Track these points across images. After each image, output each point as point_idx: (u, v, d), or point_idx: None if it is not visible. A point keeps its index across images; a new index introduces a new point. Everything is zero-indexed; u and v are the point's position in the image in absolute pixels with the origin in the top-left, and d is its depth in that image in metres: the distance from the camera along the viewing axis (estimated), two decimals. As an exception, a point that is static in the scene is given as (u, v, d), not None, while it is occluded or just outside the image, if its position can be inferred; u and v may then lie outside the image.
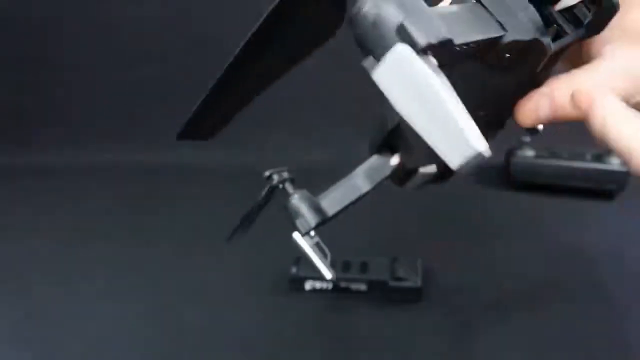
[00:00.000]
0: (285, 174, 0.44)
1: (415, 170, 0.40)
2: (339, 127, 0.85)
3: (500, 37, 0.26)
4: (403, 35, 0.22)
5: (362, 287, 0.54)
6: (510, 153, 0.73)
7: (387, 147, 0.42)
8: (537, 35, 0.27)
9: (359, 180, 0.43)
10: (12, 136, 0.90)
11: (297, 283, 0.55)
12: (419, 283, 0.53)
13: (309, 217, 0.41)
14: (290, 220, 0.42)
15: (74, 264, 0.62)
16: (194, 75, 0.87)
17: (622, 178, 0.68)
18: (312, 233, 0.42)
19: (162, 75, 0.88)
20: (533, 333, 0.49)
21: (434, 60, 0.23)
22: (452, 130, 0.20)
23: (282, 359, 0.48)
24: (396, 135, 0.40)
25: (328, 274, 0.41)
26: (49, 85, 0.90)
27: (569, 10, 0.29)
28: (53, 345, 0.50)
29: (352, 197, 0.42)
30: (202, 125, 0.35)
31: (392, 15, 0.23)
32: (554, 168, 0.71)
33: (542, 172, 0.71)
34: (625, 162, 0.28)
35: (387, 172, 0.42)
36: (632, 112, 0.28)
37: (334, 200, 0.42)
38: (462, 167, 0.20)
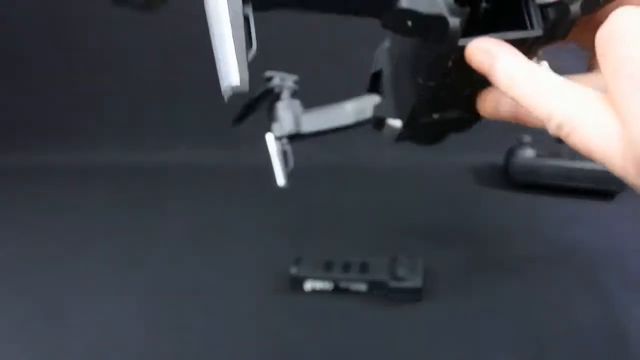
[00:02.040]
0: (290, 82, 0.45)
1: (383, 121, 0.40)
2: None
3: (394, 0, 0.25)
4: None
5: (362, 287, 0.54)
6: (510, 153, 0.73)
7: (376, 90, 0.42)
8: (442, 13, 0.25)
9: (343, 113, 0.44)
10: (12, 136, 0.90)
11: (297, 283, 0.55)
12: (419, 283, 0.53)
13: (285, 125, 0.43)
14: (269, 120, 0.43)
15: (74, 264, 0.62)
16: (194, 75, 0.87)
17: (622, 178, 0.68)
18: (284, 141, 0.44)
19: (162, 75, 0.88)
20: (533, 333, 0.49)
21: None
22: (221, 59, 0.22)
23: (281, 359, 0.48)
24: (378, 81, 0.40)
25: (281, 180, 0.44)
26: (49, 85, 0.90)
27: (545, 8, 0.27)
28: (53, 345, 0.50)
29: (331, 125, 0.44)
30: None
31: None
32: (554, 168, 0.71)
33: (542, 172, 0.71)
34: (545, 124, 0.24)
35: (369, 115, 0.42)
36: (540, 66, 0.25)
37: (313, 121, 0.43)
38: (224, 95, 0.22)
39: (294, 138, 0.44)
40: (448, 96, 0.33)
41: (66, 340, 0.51)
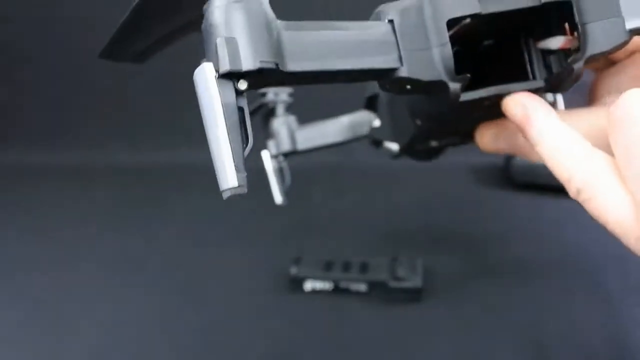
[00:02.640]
0: (284, 96, 0.45)
1: (381, 142, 0.41)
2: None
3: (393, 69, 0.25)
4: (213, 55, 0.22)
5: (362, 287, 0.54)
6: (510, 153, 0.73)
7: (372, 108, 0.42)
8: (441, 78, 0.25)
9: (340, 128, 0.44)
10: (12, 136, 0.90)
11: (297, 283, 0.55)
12: (419, 283, 0.53)
13: (281, 143, 0.43)
14: (265, 136, 0.43)
15: (73, 264, 0.62)
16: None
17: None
18: (280, 158, 0.44)
19: (162, 75, 0.88)
20: (533, 333, 0.49)
21: (241, 85, 0.23)
22: (217, 160, 0.22)
23: (281, 359, 0.48)
24: (375, 102, 0.41)
25: (278, 199, 0.44)
26: (49, 85, 0.90)
27: (548, 54, 0.28)
28: (53, 345, 0.50)
29: (327, 140, 0.44)
30: (129, 46, 0.33)
31: (218, 30, 0.23)
32: (554, 168, 0.71)
33: (542, 172, 0.71)
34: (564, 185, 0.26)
35: (365, 131, 0.43)
36: (570, 129, 0.26)
37: (309, 137, 0.44)
38: (223, 195, 0.22)
39: (290, 155, 0.44)
40: (446, 131, 0.34)
41: (66, 340, 0.51)
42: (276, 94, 0.46)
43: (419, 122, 0.32)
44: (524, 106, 0.27)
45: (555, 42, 0.27)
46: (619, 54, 0.30)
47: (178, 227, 0.69)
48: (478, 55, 0.30)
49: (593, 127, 0.28)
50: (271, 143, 0.44)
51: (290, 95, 0.47)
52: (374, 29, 0.25)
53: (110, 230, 0.68)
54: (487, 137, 0.32)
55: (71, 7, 0.87)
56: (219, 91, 0.22)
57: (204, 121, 0.23)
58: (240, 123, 0.23)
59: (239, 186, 0.22)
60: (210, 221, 0.69)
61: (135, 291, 0.57)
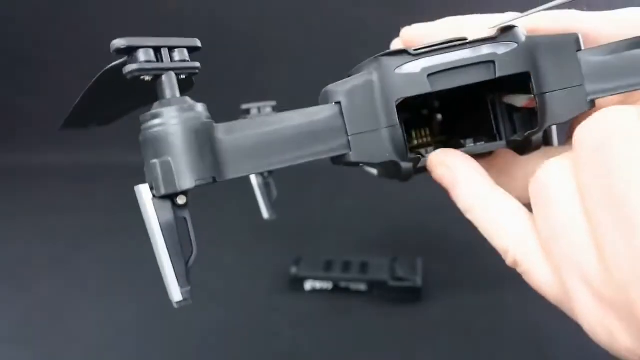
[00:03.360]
0: (268, 110, 0.46)
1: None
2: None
3: (343, 155, 0.25)
4: (149, 175, 0.23)
5: (362, 287, 0.54)
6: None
7: None
8: (392, 158, 0.25)
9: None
10: (12, 136, 0.90)
11: (297, 283, 0.55)
12: (419, 283, 0.53)
13: None
14: None
15: (73, 264, 0.62)
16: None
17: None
18: (266, 174, 0.45)
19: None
20: (533, 332, 0.49)
21: (180, 200, 0.24)
22: (163, 276, 0.23)
23: (282, 359, 0.48)
24: None
25: (265, 214, 0.45)
26: (49, 85, 0.90)
27: (514, 112, 0.27)
28: (53, 345, 0.50)
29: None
30: (90, 115, 0.33)
31: (153, 149, 0.23)
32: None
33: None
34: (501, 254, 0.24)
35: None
36: (503, 198, 0.25)
37: None
38: (173, 304, 0.24)
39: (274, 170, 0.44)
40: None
41: (66, 340, 0.51)
42: (259, 110, 0.46)
43: (383, 174, 0.33)
44: (449, 168, 0.25)
45: (520, 100, 0.26)
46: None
47: (178, 227, 0.69)
48: (445, 111, 0.30)
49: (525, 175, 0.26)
50: None
51: (274, 108, 0.47)
52: (319, 115, 0.25)
53: (110, 230, 0.68)
54: (436, 173, 0.29)
55: (71, 7, 0.87)
56: (156, 212, 0.23)
57: (150, 236, 0.24)
58: (184, 233, 0.24)
59: (183, 299, 0.24)
60: (210, 221, 0.69)
61: (135, 290, 0.57)
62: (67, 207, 0.75)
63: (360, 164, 0.26)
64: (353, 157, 0.25)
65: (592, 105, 0.25)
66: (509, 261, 0.24)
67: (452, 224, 0.68)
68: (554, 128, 0.32)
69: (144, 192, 0.23)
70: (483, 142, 0.27)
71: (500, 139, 0.28)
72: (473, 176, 0.25)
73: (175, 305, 0.24)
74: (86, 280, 0.59)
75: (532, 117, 0.25)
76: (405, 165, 0.25)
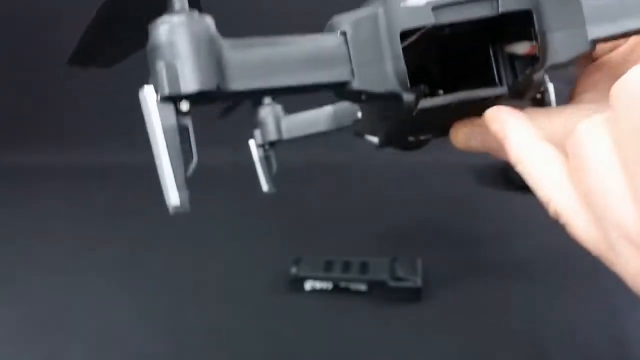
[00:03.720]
0: None
1: (362, 134, 0.42)
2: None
3: (345, 83, 0.25)
4: (154, 78, 0.23)
5: (362, 287, 0.54)
6: (510, 153, 0.73)
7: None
8: (394, 89, 0.25)
9: (324, 118, 0.45)
10: (12, 136, 0.90)
11: (297, 283, 0.55)
12: (419, 283, 0.53)
13: (267, 132, 0.44)
14: (252, 126, 0.45)
15: (73, 264, 0.62)
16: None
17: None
18: (267, 147, 0.45)
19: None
20: (533, 332, 0.49)
21: (183, 106, 0.23)
22: (161, 180, 0.23)
23: (281, 359, 0.48)
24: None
25: (265, 186, 0.45)
26: (49, 85, 0.90)
27: (515, 58, 0.28)
28: (53, 345, 0.50)
29: (311, 130, 0.45)
30: (97, 53, 0.34)
31: (159, 52, 0.23)
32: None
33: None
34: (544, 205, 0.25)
35: (349, 121, 0.44)
36: (549, 150, 0.25)
37: (295, 126, 0.45)
38: (170, 211, 0.23)
39: (276, 143, 0.45)
40: (418, 129, 0.34)
41: (66, 341, 0.50)
42: None
43: (386, 125, 0.33)
44: (502, 123, 0.26)
45: (521, 48, 0.26)
46: (598, 50, 0.29)
47: (177, 226, 0.69)
48: (444, 59, 0.30)
49: (560, 129, 0.27)
50: (257, 132, 0.45)
51: None
52: (325, 42, 0.25)
53: (110, 230, 0.68)
54: (460, 136, 0.31)
55: (71, 7, 0.87)
56: (159, 114, 0.23)
57: (151, 140, 0.24)
58: (186, 142, 0.23)
59: (179, 205, 0.23)
60: (210, 221, 0.69)
61: (135, 290, 0.57)
62: (67, 207, 0.75)
63: (363, 96, 0.26)
64: (356, 84, 0.25)
65: (592, 47, 0.25)
66: (550, 212, 0.26)
67: (452, 224, 0.68)
68: (551, 91, 0.33)
69: (148, 93, 0.23)
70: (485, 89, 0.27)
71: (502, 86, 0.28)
72: (521, 130, 0.26)
73: (172, 211, 0.23)
74: (86, 280, 0.59)
75: (534, 63, 0.26)
76: (408, 97, 0.25)
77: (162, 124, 0.23)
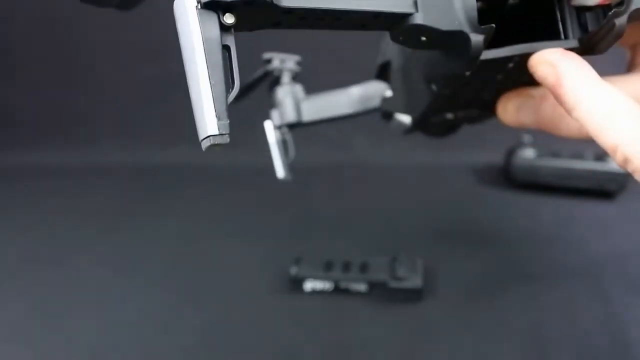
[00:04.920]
0: (290, 64, 0.42)
1: (392, 114, 0.37)
2: (339, 126, 0.85)
3: (406, 15, 0.22)
4: None
5: (362, 287, 0.54)
6: (510, 153, 0.73)
7: (384, 78, 0.38)
8: (461, 28, 0.22)
9: (349, 99, 0.41)
10: (12, 136, 0.90)
11: (297, 283, 0.55)
12: (419, 283, 0.53)
13: (285, 114, 0.40)
14: (270, 106, 0.40)
15: (73, 264, 0.62)
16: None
17: (622, 178, 0.68)
18: (284, 129, 0.41)
19: (162, 75, 0.88)
20: (533, 333, 0.49)
21: (227, 19, 0.19)
22: (196, 105, 0.19)
23: (281, 359, 0.48)
24: (387, 71, 0.37)
25: (280, 172, 0.40)
26: (49, 85, 0.90)
27: (584, 12, 0.24)
28: (53, 345, 0.50)
29: (334, 113, 0.41)
30: None
31: None
32: (554, 168, 0.71)
33: (542, 172, 0.71)
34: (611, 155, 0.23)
35: (376, 104, 0.40)
36: (612, 89, 0.23)
37: (315, 108, 0.40)
38: (202, 146, 0.20)
39: (295, 126, 0.41)
40: (464, 100, 0.31)
41: (65, 340, 0.50)
42: (282, 61, 0.42)
43: (434, 87, 0.28)
44: (554, 65, 0.23)
45: None
46: None
47: (177, 226, 0.69)
48: (504, 16, 0.26)
49: (634, 93, 0.25)
50: (275, 113, 0.41)
51: (298, 63, 0.43)
52: None
53: (110, 229, 0.68)
54: (510, 109, 0.28)
55: (71, 7, 0.87)
56: (200, 23, 0.19)
57: (183, 61, 0.20)
58: (226, 64, 0.20)
59: (219, 134, 0.19)
60: (210, 221, 0.69)
61: (135, 291, 0.57)
62: (67, 207, 0.75)
63: (422, 37, 0.22)
64: (419, 18, 0.21)
65: None
66: (618, 159, 0.23)
67: (452, 224, 0.68)
68: None
69: None
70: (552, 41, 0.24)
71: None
72: (578, 71, 0.23)
73: (207, 143, 0.20)
74: (86, 280, 0.59)
75: (607, 13, 0.23)
76: (476, 38, 0.22)
77: (202, 36, 0.19)
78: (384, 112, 0.39)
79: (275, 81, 0.43)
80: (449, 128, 0.38)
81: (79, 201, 0.76)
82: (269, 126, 0.41)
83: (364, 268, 0.55)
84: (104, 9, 0.83)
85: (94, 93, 0.90)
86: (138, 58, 0.88)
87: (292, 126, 0.41)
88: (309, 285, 0.55)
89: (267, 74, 0.42)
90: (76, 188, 0.80)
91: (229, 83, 0.19)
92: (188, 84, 0.19)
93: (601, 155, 0.69)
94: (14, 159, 0.87)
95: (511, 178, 0.73)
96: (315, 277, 0.54)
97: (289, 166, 0.41)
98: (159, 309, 0.54)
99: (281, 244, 0.63)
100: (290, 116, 0.40)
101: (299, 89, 0.42)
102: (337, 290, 0.54)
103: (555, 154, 0.71)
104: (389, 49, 0.36)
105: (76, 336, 0.51)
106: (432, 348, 0.48)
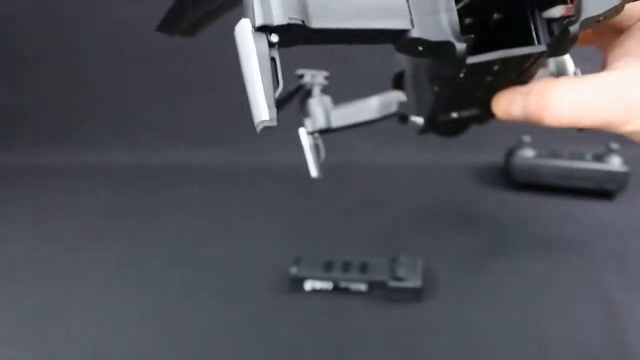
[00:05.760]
0: (320, 79, 0.51)
1: (407, 117, 0.44)
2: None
3: (405, 31, 0.28)
4: (249, 12, 0.26)
5: (362, 287, 0.54)
6: (510, 153, 0.73)
7: (400, 87, 0.46)
8: (448, 38, 0.28)
9: (369, 108, 0.48)
10: (12, 136, 0.90)
11: (297, 283, 0.55)
12: (419, 283, 0.53)
13: (316, 121, 0.48)
14: (302, 115, 0.49)
15: (73, 264, 0.62)
16: (194, 75, 0.87)
17: (622, 178, 0.68)
18: (316, 135, 0.48)
19: (161, 75, 0.88)
20: (533, 333, 0.49)
21: (273, 38, 0.26)
22: (252, 99, 0.26)
23: (281, 359, 0.48)
24: (401, 80, 0.44)
25: (314, 172, 0.46)
26: (49, 85, 0.90)
27: (551, 22, 0.30)
28: (53, 345, 0.50)
29: (358, 119, 0.48)
30: (181, 20, 0.37)
31: None
32: (554, 168, 0.71)
33: (542, 172, 0.71)
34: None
35: (393, 109, 0.47)
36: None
37: (342, 116, 0.48)
38: (257, 129, 0.26)
39: (325, 132, 0.48)
40: (464, 100, 0.36)
41: (66, 340, 0.51)
42: (313, 77, 0.50)
43: (436, 88, 0.34)
44: (515, 99, 0.29)
45: (557, 11, 0.29)
46: (626, 21, 0.31)
47: (177, 227, 0.69)
48: (489, 30, 0.32)
49: (603, 90, 0.29)
50: (308, 121, 0.48)
51: (326, 78, 0.51)
52: None
53: (110, 230, 0.68)
54: (502, 103, 0.32)
55: (71, 7, 0.87)
56: (254, 42, 0.26)
57: (242, 70, 0.26)
58: (273, 70, 0.26)
59: (269, 119, 0.25)
60: (210, 221, 0.69)
61: (135, 291, 0.57)
62: (67, 207, 0.75)
63: (419, 47, 0.28)
64: (415, 33, 0.27)
65: (624, 2, 0.27)
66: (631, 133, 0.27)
67: (452, 224, 0.68)
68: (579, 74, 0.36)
69: (245, 24, 0.26)
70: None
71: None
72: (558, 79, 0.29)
73: (261, 126, 0.26)
74: (86, 280, 0.59)
75: (565, 30, 0.28)
76: (460, 45, 0.28)
77: (256, 51, 0.26)
78: (400, 115, 0.45)
79: (307, 94, 0.50)
80: (458, 128, 0.44)
81: (79, 201, 0.76)
82: (303, 132, 0.48)
83: (364, 268, 0.55)
84: (103, 9, 0.84)
85: (94, 93, 0.90)
86: (138, 58, 0.88)
87: (322, 132, 0.48)
88: (309, 285, 0.55)
89: (300, 87, 0.50)
90: (76, 188, 0.80)
91: (275, 84, 0.26)
92: (245, 85, 0.26)
93: (601, 155, 0.69)
94: (14, 159, 0.87)
95: (511, 178, 0.73)
96: (315, 277, 0.54)
97: (321, 166, 0.47)
98: (159, 309, 0.54)
99: (281, 244, 0.63)
100: (321, 123, 0.48)
101: (327, 100, 0.50)
102: (337, 290, 0.54)
103: (555, 154, 0.71)
104: (401, 62, 0.43)
105: (76, 336, 0.51)
106: (431, 348, 0.48)
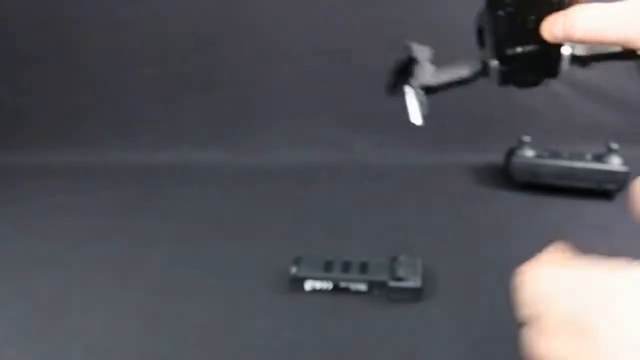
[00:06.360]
0: (426, 51, 0.54)
1: (487, 65, 0.49)
2: (339, 127, 0.85)
3: None
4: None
5: (362, 287, 0.54)
6: (510, 153, 0.73)
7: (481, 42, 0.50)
8: None
9: (462, 67, 0.52)
10: (12, 136, 0.90)
11: (297, 283, 0.55)
12: (419, 283, 0.53)
13: (421, 79, 0.52)
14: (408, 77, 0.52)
15: (74, 264, 0.62)
16: (194, 75, 0.87)
17: (622, 178, 0.68)
18: (420, 92, 0.51)
19: (162, 75, 0.88)
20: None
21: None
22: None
23: (281, 359, 0.48)
24: (482, 36, 0.48)
25: (418, 120, 0.49)
26: (49, 85, 0.90)
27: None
28: (53, 345, 0.50)
29: (454, 77, 0.52)
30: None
31: None
32: (554, 168, 0.71)
33: (542, 172, 0.71)
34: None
35: (480, 66, 0.51)
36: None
37: (440, 76, 0.52)
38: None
39: (428, 91, 0.51)
40: (518, 26, 0.40)
41: (66, 340, 0.51)
42: (417, 48, 0.55)
43: (501, 12, 0.39)
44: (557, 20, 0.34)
45: None
46: None
47: (178, 226, 0.69)
48: None
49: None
50: (411, 80, 0.53)
51: (431, 52, 0.56)
52: None
53: (110, 229, 0.68)
54: (547, 26, 0.36)
55: (71, 7, 0.87)
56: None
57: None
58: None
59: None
60: (210, 221, 0.69)
61: (135, 290, 0.57)
62: (67, 207, 0.75)
63: None
64: None
65: None
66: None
67: (452, 224, 0.68)
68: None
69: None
70: None
71: None
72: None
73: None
74: (86, 280, 0.59)
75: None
76: None
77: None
78: (482, 66, 0.49)
79: (414, 61, 0.55)
80: (532, 79, 0.47)
81: (79, 201, 0.76)
82: (409, 89, 0.52)
83: (363, 268, 0.55)
84: (103, 9, 0.84)
85: (94, 93, 0.90)
86: (138, 58, 0.88)
87: (425, 89, 0.52)
88: (309, 285, 0.55)
89: (411, 58, 0.54)
90: (76, 188, 0.80)
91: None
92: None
93: (601, 155, 0.69)
94: (14, 158, 0.87)
95: (511, 178, 0.73)
96: (315, 277, 0.54)
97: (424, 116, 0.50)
98: (159, 309, 0.54)
99: (281, 244, 0.63)
100: (426, 80, 0.53)
101: (431, 67, 0.54)
102: (337, 290, 0.54)
103: (555, 154, 0.71)
104: (480, 15, 0.47)
105: (76, 336, 0.51)
106: (431, 348, 0.48)
